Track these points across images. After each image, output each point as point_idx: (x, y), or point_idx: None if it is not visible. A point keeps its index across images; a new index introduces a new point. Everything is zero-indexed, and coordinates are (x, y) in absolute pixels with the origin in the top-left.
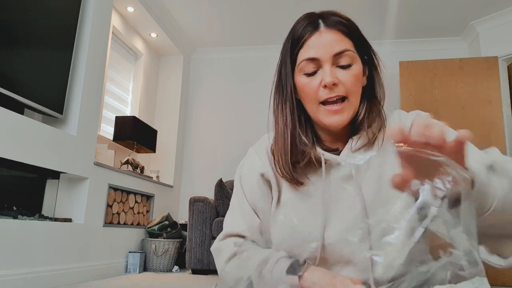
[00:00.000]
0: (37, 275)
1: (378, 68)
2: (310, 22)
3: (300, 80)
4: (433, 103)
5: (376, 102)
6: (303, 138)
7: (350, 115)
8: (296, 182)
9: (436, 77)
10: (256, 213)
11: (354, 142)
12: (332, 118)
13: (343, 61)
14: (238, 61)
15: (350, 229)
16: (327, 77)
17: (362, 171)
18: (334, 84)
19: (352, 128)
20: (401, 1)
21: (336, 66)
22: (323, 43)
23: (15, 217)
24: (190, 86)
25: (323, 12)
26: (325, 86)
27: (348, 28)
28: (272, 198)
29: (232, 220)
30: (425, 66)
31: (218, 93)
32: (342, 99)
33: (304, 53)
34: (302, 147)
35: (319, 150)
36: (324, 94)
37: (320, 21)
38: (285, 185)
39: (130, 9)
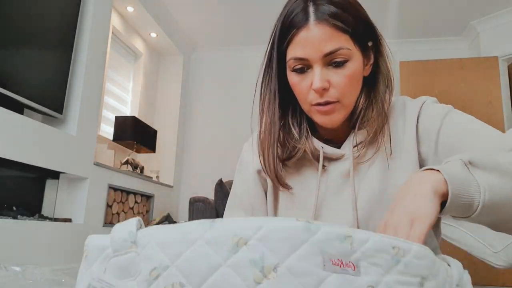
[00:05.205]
0: None
1: (385, 55)
2: (301, 10)
3: (291, 77)
4: None
5: (377, 95)
6: (293, 131)
7: (343, 114)
8: (280, 183)
9: (436, 77)
10: (253, 213)
11: (355, 136)
12: (324, 118)
13: (336, 60)
14: (238, 61)
15: None
16: (316, 82)
17: (361, 172)
18: (324, 89)
19: (353, 121)
20: (402, 1)
21: (329, 65)
22: (312, 41)
23: (14, 217)
24: (190, 86)
25: None
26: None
27: (343, 19)
28: (267, 198)
29: None
30: (425, 66)
31: (218, 93)
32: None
33: (292, 51)
34: (293, 142)
35: (317, 142)
36: (314, 98)
37: (311, 10)
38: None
39: (130, 9)
